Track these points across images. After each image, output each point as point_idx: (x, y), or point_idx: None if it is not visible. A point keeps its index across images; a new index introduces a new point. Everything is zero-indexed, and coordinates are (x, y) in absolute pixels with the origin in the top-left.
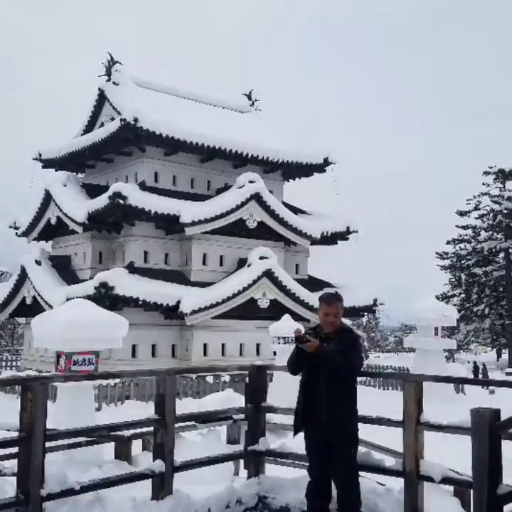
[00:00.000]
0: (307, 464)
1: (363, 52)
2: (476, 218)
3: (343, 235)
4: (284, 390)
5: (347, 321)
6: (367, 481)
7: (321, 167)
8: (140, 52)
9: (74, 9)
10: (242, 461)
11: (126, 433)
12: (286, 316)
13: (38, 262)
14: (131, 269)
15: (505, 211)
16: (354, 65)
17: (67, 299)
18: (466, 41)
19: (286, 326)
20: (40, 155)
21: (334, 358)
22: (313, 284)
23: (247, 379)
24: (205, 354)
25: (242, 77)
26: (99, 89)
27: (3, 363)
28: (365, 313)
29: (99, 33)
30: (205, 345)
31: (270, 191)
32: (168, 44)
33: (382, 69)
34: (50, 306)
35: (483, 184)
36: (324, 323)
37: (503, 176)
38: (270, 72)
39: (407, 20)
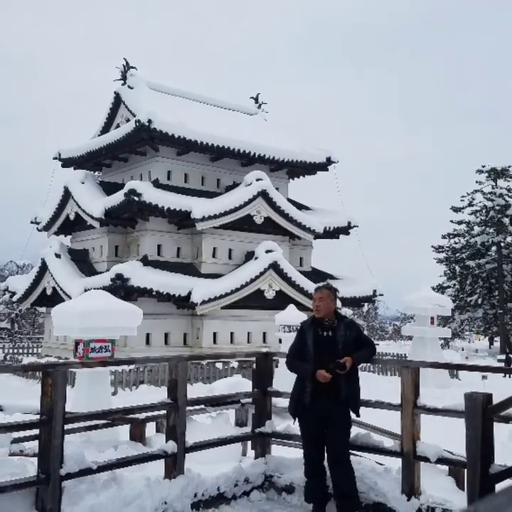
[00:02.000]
0: None
1: (355, 53)
2: (470, 214)
3: (345, 230)
4: (289, 376)
5: (348, 311)
6: (367, 461)
7: (324, 166)
8: (146, 57)
9: (87, 15)
10: (249, 443)
11: (141, 416)
12: (291, 306)
13: (58, 255)
14: (145, 261)
15: (497, 207)
16: (346, 66)
17: (85, 290)
18: (454, 43)
19: (291, 315)
20: (60, 154)
21: (364, 355)
22: (316, 275)
23: (254, 365)
24: (214, 342)
25: (244, 79)
26: (115, 92)
27: (25, 350)
28: (365, 304)
29: (111, 36)
30: (214, 334)
31: (276, 188)
32: (177, 49)
33: (375, 70)
34: (69, 297)
35: (477, 182)
36: (314, 308)
37: (495, 174)
38: (269, 75)
39: (400, 21)
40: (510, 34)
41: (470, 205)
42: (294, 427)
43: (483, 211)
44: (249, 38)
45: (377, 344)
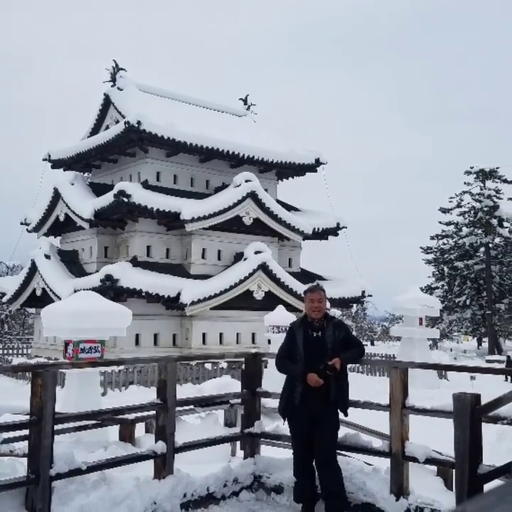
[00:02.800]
0: None
1: (354, 52)
2: (458, 215)
3: (334, 231)
4: (278, 376)
5: (337, 311)
6: (355, 461)
7: (313, 167)
8: (140, 57)
9: (80, 15)
10: (238, 443)
11: (130, 416)
12: (280, 307)
13: (47, 256)
14: (135, 262)
15: (485, 208)
16: (346, 65)
17: (75, 291)
18: (448, 45)
19: (280, 316)
20: (50, 156)
21: (352, 356)
22: (305, 276)
23: (243, 366)
24: (203, 342)
25: (242, 78)
26: (105, 94)
27: (15, 351)
28: (354, 304)
29: (104, 37)
30: (203, 334)
31: (265, 190)
32: (167, 50)
33: (375, 69)
34: (59, 298)
35: (465, 183)
36: (310, 309)
37: (483, 175)
38: (260, 76)
39: (399, 19)
40: (510, 35)
41: (458, 206)
42: (283, 427)
43: (472, 212)
44: (248, 37)
45: (367, 345)
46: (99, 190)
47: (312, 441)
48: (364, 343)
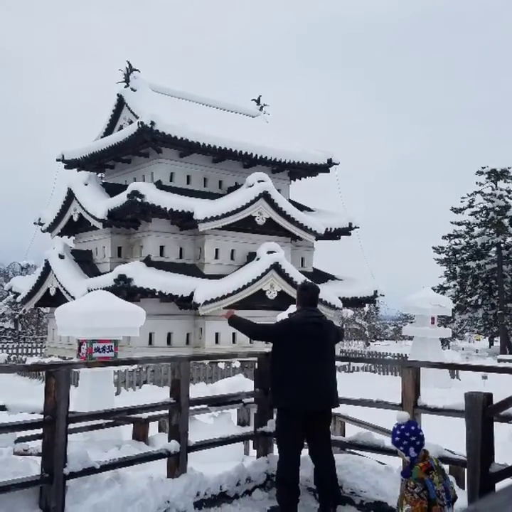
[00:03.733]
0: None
1: (361, 55)
2: (470, 215)
3: (346, 231)
4: None
5: (349, 311)
6: (368, 460)
7: (325, 167)
8: (151, 58)
9: (86, 19)
10: (251, 442)
11: (144, 415)
12: (292, 307)
13: (61, 256)
14: (148, 262)
15: (497, 208)
16: (353, 67)
17: (89, 291)
18: (452, 44)
19: None
20: (63, 156)
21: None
22: (317, 276)
23: (256, 365)
24: (217, 342)
25: (246, 80)
26: (118, 94)
27: (29, 351)
28: (366, 304)
29: (113, 40)
30: (217, 334)
31: (278, 190)
32: (177, 52)
33: (379, 71)
34: (73, 297)
35: (477, 183)
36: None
37: (495, 175)
38: (270, 77)
39: (396, 20)
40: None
41: (470, 206)
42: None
43: (483, 212)
44: (251, 39)
45: (375, 344)
46: (112, 190)
47: (303, 438)
48: (376, 342)
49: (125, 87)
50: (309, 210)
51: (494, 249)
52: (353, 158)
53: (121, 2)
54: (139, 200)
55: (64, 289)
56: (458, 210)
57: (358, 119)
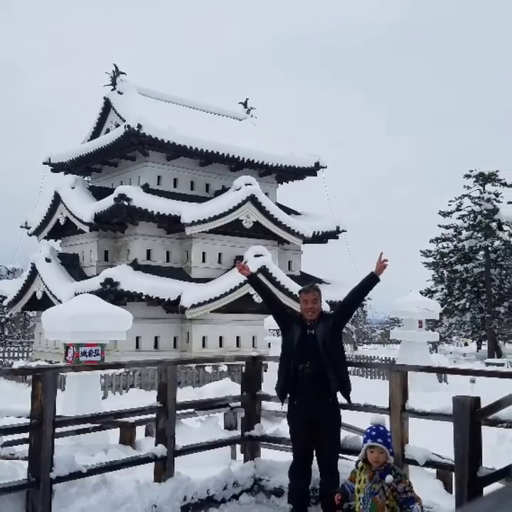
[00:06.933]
0: None
1: (351, 59)
2: (458, 218)
3: (333, 234)
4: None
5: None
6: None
7: (312, 171)
8: (139, 62)
9: (74, 25)
10: (238, 446)
11: (131, 419)
12: None
13: (48, 260)
14: (135, 266)
15: (484, 212)
16: (344, 72)
17: (75, 294)
18: (443, 51)
19: None
20: (50, 159)
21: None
22: (305, 279)
23: (243, 369)
24: (204, 346)
25: (235, 84)
26: (105, 98)
27: (15, 354)
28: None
29: (99, 45)
30: (204, 338)
31: (265, 193)
32: (168, 56)
33: (369, 75)
34: (59, 301)
35: (465, 186)
36: (305, 310)
37: (483, 178)
38: (257, 82)
39: (384, 30)
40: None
41: (458, 209)
42: (283, 430)
43: (471, 216)
44: (240, 45)
45: (363, 348)
46: (99, 193)
47: (312, 443)
48: (364, 346)
49: (112, 90)
50: (297, 213)
51: (482, 252)
52: (342, 163)
53: (110, 8)
54: (125, 203)
55: (51, 293)
56: (446, 214)
57: (348, 123)
